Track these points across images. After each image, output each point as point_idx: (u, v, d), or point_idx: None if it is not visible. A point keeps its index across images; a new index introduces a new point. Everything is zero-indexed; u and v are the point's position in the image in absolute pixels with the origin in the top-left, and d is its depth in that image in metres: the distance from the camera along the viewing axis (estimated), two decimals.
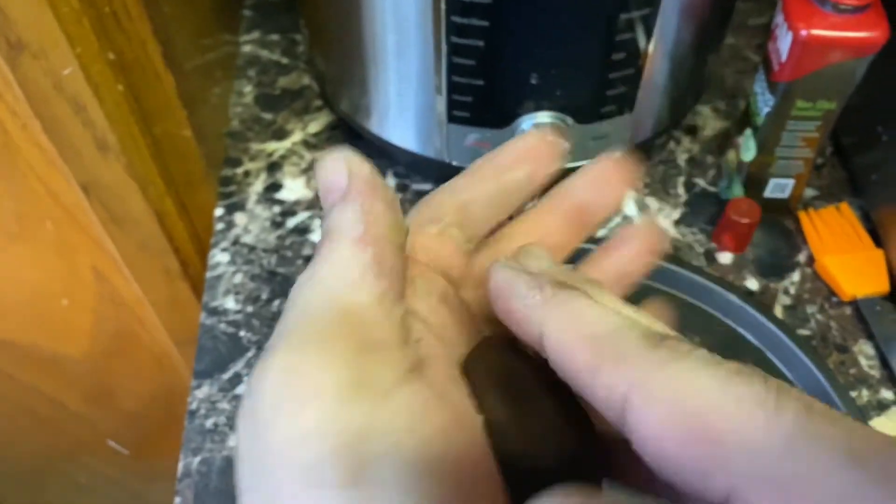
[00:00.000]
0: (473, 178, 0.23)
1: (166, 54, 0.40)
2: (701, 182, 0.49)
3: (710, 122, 0.53)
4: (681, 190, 0.49)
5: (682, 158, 0.50)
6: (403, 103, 0.42)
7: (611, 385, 0.14)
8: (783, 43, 0.39)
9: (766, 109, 0.42)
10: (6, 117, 0.39)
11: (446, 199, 0.22)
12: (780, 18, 0.40)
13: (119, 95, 0.38)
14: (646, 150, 0.49)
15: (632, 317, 0.16)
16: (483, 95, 0.37)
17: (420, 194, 0.48)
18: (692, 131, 0.52)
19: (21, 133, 0.40)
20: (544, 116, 0.38)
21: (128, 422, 0.73)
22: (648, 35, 0.37)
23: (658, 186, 0.49)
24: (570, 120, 0.39)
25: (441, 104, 0.39)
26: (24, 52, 0.35)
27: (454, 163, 0.42)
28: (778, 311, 0.43)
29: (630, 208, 0.48)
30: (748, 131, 0.45)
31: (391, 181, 0.48)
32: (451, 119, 0.39)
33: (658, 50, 0.39)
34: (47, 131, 0.39)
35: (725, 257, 0.46)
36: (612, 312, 0.15)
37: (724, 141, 0.51)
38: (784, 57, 0.39)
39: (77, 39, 0.35)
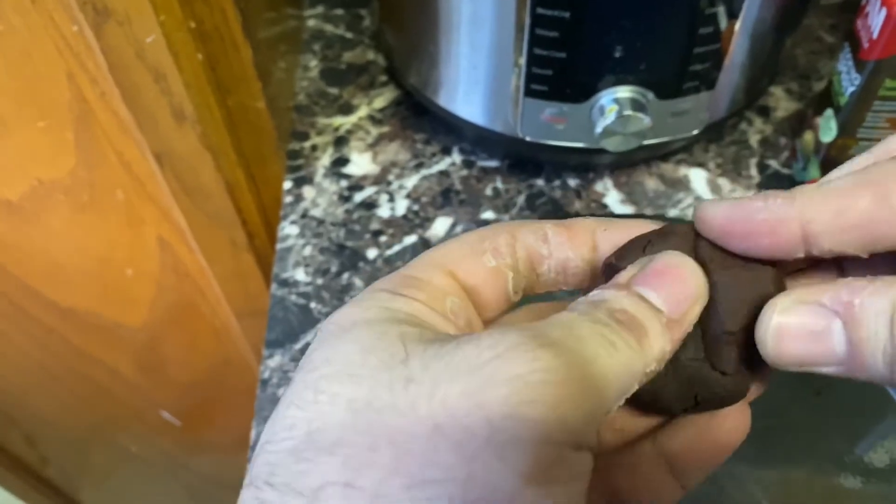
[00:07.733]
0: (570, 236, 0.20)
1: (244, 24, 0.40)
2: (774, 164, 0.48)
3: (782, 102, 0.51)
4: (753, 171, 0.47)
5: (754, 139, 0.49)
6: (476, 76, 0.42)
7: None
8: (875, 20, 0.38)
9: (850, 89, 0.41)
10: (86, 86, 0.40)
11: (528, 243, 0.20)
12: None
13: (198, 64, 0.38)
14: (718, 129, 0.48)
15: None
16: (564, 68, 0.37)
17: (485, 171, 0.47)
18: (764, 112, 0.51)
19: (99, 102, 0.41)
20: (625, 91, 0.38)
21: (181, 393, 0.74)
22: (736, 10, 0.36)
23: (730, 167, 0.48)
24: (650, 95, 0.38)
25: (518, 77, 0.39)
26: (110, 20, 0.35)
27: (527, 138, 0.41)
28: None
29: (702, 188, 0.47)
30: (829, 111, 0.43)
31: (457, 157, 0.48)
32: (528, 93, 0.39)
33: (743, 26, 0.38)
34: (126, 100, 0.39)
35: None
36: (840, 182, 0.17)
37: (798, 122, 0.50)
38: (875, 34, 0.38)
39: (161, 7, 0.35)
